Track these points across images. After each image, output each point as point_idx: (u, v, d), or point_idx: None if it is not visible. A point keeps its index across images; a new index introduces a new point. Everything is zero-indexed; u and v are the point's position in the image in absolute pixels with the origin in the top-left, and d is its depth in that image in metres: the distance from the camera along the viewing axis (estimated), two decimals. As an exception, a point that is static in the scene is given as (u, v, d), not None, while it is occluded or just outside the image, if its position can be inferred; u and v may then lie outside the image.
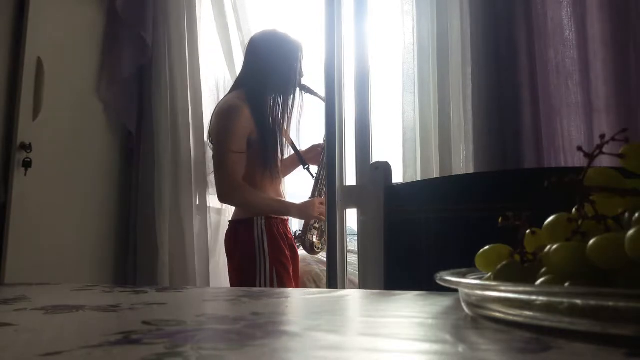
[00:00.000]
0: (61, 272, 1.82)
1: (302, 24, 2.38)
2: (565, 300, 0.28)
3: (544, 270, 0.35)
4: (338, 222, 1.52)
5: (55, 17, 1.90)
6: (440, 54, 1.60)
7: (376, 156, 1.52)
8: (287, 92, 1.89)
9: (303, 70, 1.94)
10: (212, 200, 2.10)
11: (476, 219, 0.80)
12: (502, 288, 0.33)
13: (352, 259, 1.63)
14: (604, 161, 0.38)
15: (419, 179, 1.58)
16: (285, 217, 1.92)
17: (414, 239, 0.87)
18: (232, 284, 1.86)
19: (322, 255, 2.01)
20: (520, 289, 0.32)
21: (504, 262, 0.37)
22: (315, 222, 1.94)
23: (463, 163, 1.52)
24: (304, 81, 1.94)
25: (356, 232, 1.51)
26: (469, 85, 1.51)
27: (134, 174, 2.16)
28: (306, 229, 1.94)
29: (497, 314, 0.33)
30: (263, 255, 1.77)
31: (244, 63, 1.96)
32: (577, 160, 1.39)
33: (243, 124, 1.80)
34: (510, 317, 0.32)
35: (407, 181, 1.56)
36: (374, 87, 1.56)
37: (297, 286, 1.90)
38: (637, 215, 0.32)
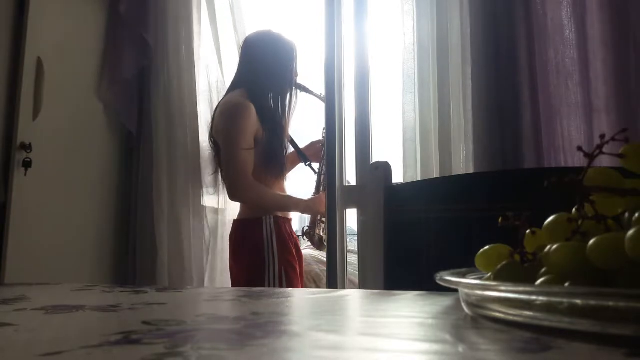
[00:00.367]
0: (61, 272, 1.82)
1: (302, 24, 2.38)
2: (565, 300, 0.28)
3: (544, 270, 0.35)
4: (338, 222, 1.52)
5: (55, 17, 1.90)
6: (440, 53, 1.60)
7: (376, 156, 1.52)
8: (284, 91, 1.90)
9: (298, 69, 1.95)
10: (211, 200, 2.10)
11: (476, 219, 0.80)
12: (502, 288, 0.33)
13: (352, 259, 1.63)
14: (604, 161, 0.38)
15: (419, 179, 1.58)
16: (290, 217, 1.92)
17: (414, 239, 0.87)
18: (235, 284, 1.85)
19: (322, 255, 2.01)
20: (520, 289, 0.32)
21: (504, 262, 0.37)
22: (322, 217, 1.94)
23: (463, 163, 1.52)
24: (299, 80, 1.95)
25: (356, 232, 1.51)
26: (469, 85, 1.51)
27: (134, 174, 2.16)
28: (314, 224, 1.95)
29: (497, 314, 0.33)
30: (272, 255, 1.76)
31: (239, 63, 1.97)
32: (577, 160, 1.39)
33: (251, 121, 1.81)
34: (510, 317, 0.32)
35: (407, 181, 1.56)
36: (374, 87, 1.56)
37: (302, 286, 1.90)
38: (637, 215, 0.32)
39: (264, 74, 1.86)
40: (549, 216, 0.38)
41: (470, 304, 0.37)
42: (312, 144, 2.08)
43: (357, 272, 1.49)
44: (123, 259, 2.12)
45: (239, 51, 2.07)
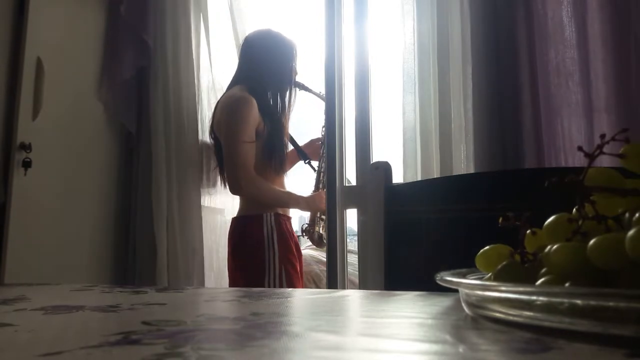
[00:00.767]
0: (61, 272, 1.82)
1: (302, 24, 2.38)
2: (565, 300, 0.28)
3: (544, 270, 0.35)
4: (338, 222, 1.52)
5: (55, 17, 1.90)
6: (440, 53, 1.60)
7: (376, 156, 1.52)
8: (283, 89, 1.91)
9: (297, 68, 1.95)
10: (210, 200, 2.10)
11: (476, 219, 0.80)
12: (502, 288, 0.33)
13: (352, 259, 1.63)
14: (604, 161, 0.38)
15: (419, 179, 1.58)
16: (290, 215, 1.92)
17: (414, 239, 0.87)
18: (234, 283, 1.84)
19: (322, 255, 2.01)
20: (520, 289, 0.32)
21: (504, 262, 0.37)
22: (322, 215, 1.94)
23: (463, 163, 1.52)
24: (299, 78, 1.96)
25: (356, 232, 1.51)
26: (469, 85, 1.51)
27: (134, 174, 2.16)
28: (313, 222, 1.94)
29: (497, 314, 0.33)
30: (273, 252, 1.76)
31: (239, 62, 1.98)
32: (577, 160, 1.39)
33: (253, 114, 1.81)
34: (510, 317, 0.31)
35: (408, 181, 1.56)
36: (374, 87, 1.56)
37: (302, 285, 1.90)
38: (637, 215, 0.32)
39: (263, 71, 1.87)
40: (549, 216, 0.38)
41: (470, 304, 0.37)
42: (312, 142, 2.09)
43: (357, 272, 1.49)
44: (123, 259, 2.12)
45: (238, 51, 2.08)
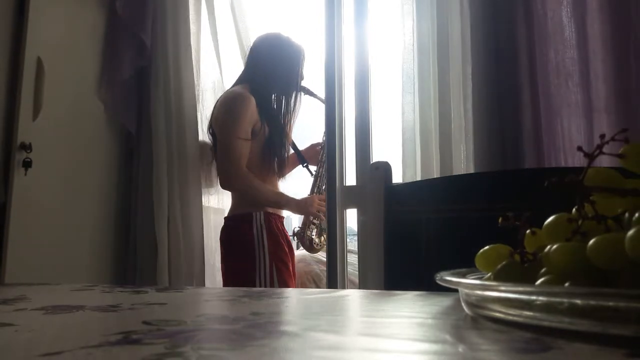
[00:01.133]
0: (61, 272, 1.82)
1: (302, 25, 2.38)
2: (565, 300, 0.28)
3: (544, 270, 0.35)
4: (338, 222, 1.52)
5: (55, 17, 1.90)
6: (440, 53, 1.60)
7: (376, 156, 1.52)
8: (288, 93, 1.91)
9: (304, 73, 1.96)
10: (210, 200, 2.10)
11: (476, 219, 0.80)
12: (502, 288, 0.33)
13: (352, 259, 1.63)
14: (604, 161, 0.38)
15: (419, 178, 1.58)
16: (282, 214, 1.92)
17: (414, 239, 0.87)
18: (227, 283, 1.85)
19: (322, 255, 2.01)
20: (520, 289, 0.32)
21: (504, 262, 0.37)
22: (314, 219, 1.94)
23: (463, 163, 1.52)
24: (304, 83, 1.96)
25: (356, 232, 1.51)
26: (469, 85, 1.51)
27: (134, 174, 2.16)
28: (305, 225, 1.93)
29: (497, 314, 0.33)
30: (263, 252, 1.76)
31: (246, 64, 1.99)
32: (577, 160, 1.39)
33: (250, 111, 1.82)
34: (510, 317, 0.32)
35: (407, 181, 1.56)
36: (374, 87, 1.56)
37: (294, 285, 1.90)
38: (637, 215, 0.32)
39: (269, 75, 1.88)
40: (549, 216, 0.38)
41: (470, 304, 0.37)
42: (312, 146, 2.09)
43: (357, 272, 1.49)
44: (123, 259, 2.12)
45: (241, 51, 2.08)
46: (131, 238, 2.13)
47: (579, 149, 0.37)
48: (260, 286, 1.73)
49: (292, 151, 2.04)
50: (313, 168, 2.05)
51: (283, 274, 1.77)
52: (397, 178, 1.35)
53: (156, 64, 2.10)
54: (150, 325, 0.34)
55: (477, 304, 0.35)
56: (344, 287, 1.52)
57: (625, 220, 0.33)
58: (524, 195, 0.77)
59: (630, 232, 0.29)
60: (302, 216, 1.99)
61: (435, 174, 1.57)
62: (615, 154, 0.36)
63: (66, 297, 0.56)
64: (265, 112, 1.86)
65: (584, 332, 0.27)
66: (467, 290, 0.37)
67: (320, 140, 2.04)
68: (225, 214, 2.02)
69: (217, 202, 2.11)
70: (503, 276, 0.36)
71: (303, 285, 1.99)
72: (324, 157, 1.94)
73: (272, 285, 1.73)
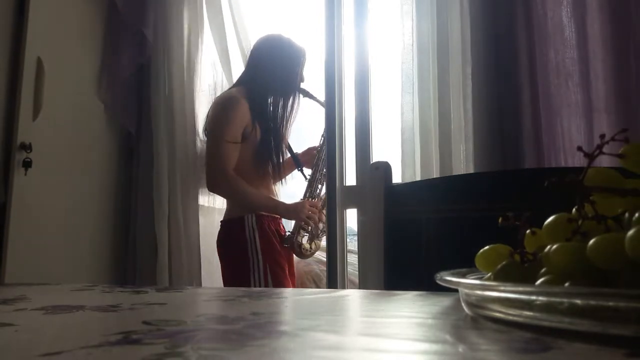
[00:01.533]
0: (61, 271, 1.82)
1: (302, 25, 2.38)
2: (565, 300, 0.28)
3: (544, 270, 0.35)
4: (338, 222, 1.52)
5: (55, 17, 1.90)
6: (440, 54, 1.60)
7: (376, 156, 1.52)
8: (286, 95, 1.91)
9: (304, 75, 1.95)
10: (210, 200, 2.10)
11: (476, 219, 0.80)
12: (502, 288, 0.33)
13: (352, 259, 1.63)
14: (604, 161, 0.38)
15: (418, 179, 1.58)
16: (277, 216, 1.92)
17: (414, 239, 0.87)
18: (226, 285, 1.85)
19: (322, 255, 2.00)
20: (520, 289, 0.32)
21: (504, 262, 0.37)
22: (305, 225, 1.91)
23: (463, 163, 1.52)
24: (304, 85, 1.95)
25: (356, 232, 1.51)
26: (469, 85, 1.51)
27: (134, 174, 2.16)
28: (295, 230, 1.91)
29: (497, 314, 0.33)
30: (256, 253, 1.76)
31: (246, 64, 1.98)
32: (577, 160, 1.39)
33: (240, 114, 1.81)
34: (510, 317, 0.32)
35: (407, 181, 1.56)
36: (374, 87, 1.56)
37: (293, 284, 1.90)
38: (637, 215, 0.32)
39: (267, 76, 1.88)
40: (549, 216, 0.38)
41: (470, 304, 0.37)
42: (309, 150, 2.07)
43: (357, 272, 1.49)
44: (123, 259, 2.12)
45: (241, 52, 2.08)
46: (131, 238, 2.13)
47: (579, 149, 0.37)
48: (255, 285, 1.73)
49: (288, 154, 2.03)
50: (308, 172, 2.03)
51: (278, 276, 1.77)
52: (396, 178, 1.35)
53: (156, 64, 2.10)
54: (150, 325, 0.34)
55: (477, 304, 0.35)
56: (344, 287, 1.52)
57: (625, 220, 0.33)
58: (524, 195, 0.77)
59: (630, 232, 0.29)
60: (294, 221, 1.97)
61: (435, 174, 1.57)
62: (615, 154, 0.36)
63: (66, 297, 0.56)
64: (259, 115, 1.85)
65: (584, 332, 0.27)
66: (467, 290, 0.37)
67: (317, 144, 2.01)
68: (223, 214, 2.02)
69: (223, 202, 2.10)
70: (503, 276, 0.36)
71: (303, 285, 1.99)
72: (319, 160, 1.94)
73: (266, 287, 1.73)
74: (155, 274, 1.98)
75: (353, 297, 0.55)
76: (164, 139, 2.06)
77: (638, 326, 0.26)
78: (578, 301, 0.28)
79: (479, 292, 0.35)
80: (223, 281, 1.87)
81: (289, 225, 1.98)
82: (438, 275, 0.39)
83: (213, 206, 2.11)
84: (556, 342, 0.27)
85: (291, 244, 1.88)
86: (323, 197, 1.92)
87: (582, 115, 1.41)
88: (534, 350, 0.26)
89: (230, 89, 1.96)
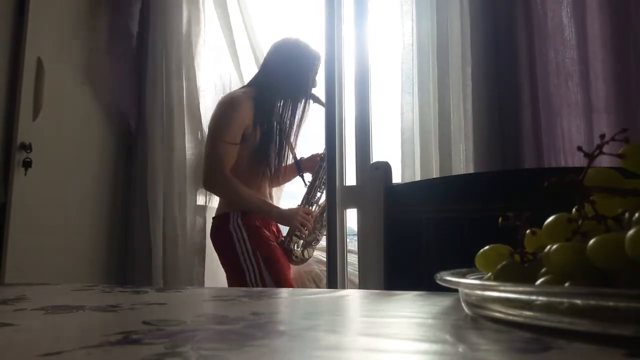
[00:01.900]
0: (61, 272, 1.82)
1: (302, 25, 2.38)
2: (565, 300, 0.28)
3: (544, 270, 0.35)
4: (338, 222, 1.52)
5: (55, 17, 1.90)
6: (440, 54, 1.60)
7: (376, 156, 1.52)
8: (296, 99, 1.91)
9: (316, 80, 1.95)
10: (209, 200, 2.10)
11: (476, 219, 0.80)
12: (502, 288, 0.33)
13: (352, 259, 1.63)
14: (604, 161, 0.38)
15: (417, 179, 1.58)
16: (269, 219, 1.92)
17: (414, 239, 0.87)
18: (227, 280, 1.87)
19: (322, 255, 2.00)
20: (520, 289, 0.32)
21: (504, 262, 0.37)
22: (296, 232, 1.91)
23: (463, 163, 1.52)
24: (315, 91, 1.95)
25: (356, 232, 1.51)
26: (469, 85, 1.51)
27: (133, 174, 2.17)
28: (289, 236, 1.91)
29: (497, 314, 0.33)
30: (245, 246, 1.77)
31: (261, 66, 2.00)
32: (577, 160, 1.39)
33: (241, 115, 1.82)
34: (510, 317, 0.32)
35: (406, 181, 1.56)
36: (374, 87, 1.56)
37: (292, 277, 1.89)
38: (637, 215, 0.32)
39: (280, 80, 1.88)
40: (549, 216, 0.38)
41: (470, 304, 0.37)
42: (313, 156, 2.05)
43: (357, 272, 1.49)
44: (123, 259, 2.12)
45: (251, 48, 2.09)
46: (129, 238, 2.13)
47: (579, 149, 0.37)
48: (251, 279, 1.74)
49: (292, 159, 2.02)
50: (309, 178, 2.02)
51: (274, 267, 1.77)
52: (396, 178, 1.35)
53: (155, 62, 2.09)
54: (150, 325, 0.34)
55: (477, 304, 0.35)
56: (344, 287, 1.52)
57: (625, 220, 0.33)
58: (524, 195, 0.77)
59: (630, 232, 0.29)
60: (289, 227, 1.96)
61: (435, 174, 1.57)
62: (615, 154, 0.36)
63: (66, 297, 0.56)
64: (264, 117, 1.85)
65: (584, 332, 0.27)
66: (467, 290, 0.37)
67: (322, 151, 1.97)
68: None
69: (216, 201, 2.11)
70: (503, 276, 0.36)
71: (303, 285, 1.99)
72: (320, 168, 1.93)
73: (262, 277, 1.74)
74: (151, 274, 1.98)
75: (353, 297, 0.55)
76: (160, 138, 2.06)
77: (638, 326, 0.26)
78: (578, 301, 0.28)
79: (479, 292, 0.35)
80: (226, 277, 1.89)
81: (285, 230, 1.98)
82: (438, 275, 0.39)
83: (213, 206, 2.11)
84: (556, 342, 0.27)
85: (284, 250, 1.87)
86: (322, 205, 1.91)
87: (582, 115, 1.41)
88: (534, 350, 0.26)
89: (240, 88, 1.97)
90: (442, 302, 0.45)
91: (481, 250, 0.41)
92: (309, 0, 2.46)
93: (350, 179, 1.55)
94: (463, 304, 0.38)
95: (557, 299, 0.29)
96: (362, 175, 1.50)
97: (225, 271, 1.88)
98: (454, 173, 1.53)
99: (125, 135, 2.19)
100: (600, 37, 1.39)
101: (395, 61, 1.68)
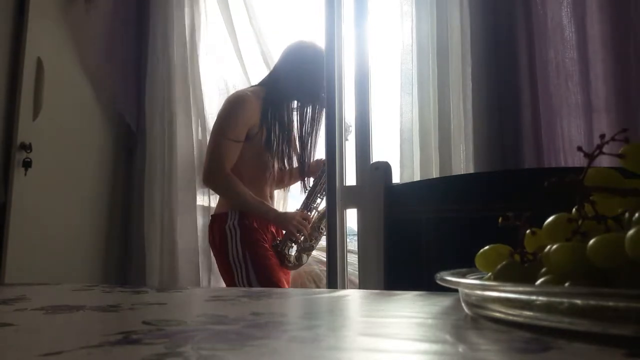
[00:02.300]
0: (61, 272, 1.82)
1: (302, 25, 2.38)
2: (565, 300, 0.28)
3: (544, 270, 0.35)
4: (338, 222, 1.52)
5: (55, 17, 1.90)
6: (439, 54, 1.60)
7: (376, 156, 1.52)
8: (306, 103, 1.91)
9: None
10: (206, 200, 2.10)
11: (476, 219, 0.80)
12: (502, 288, 0.33)
13: (352, 259, 1.63)
14: (604, 161, 0.38)
15: (417, 179, 1.58)
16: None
17: (414, 239, 0.87)
18: (222, 278, 1.88)
19: (322, 255, 2.00)
20: (520, 289, 0.32)
21: (504, 262, 0.37)
22: (292, 237, 1.90)
23: (463, 163, 1.52)
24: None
25: (356, 232, 1.51)
26: (469, 85, 1.51)
27: (133, 174, 2.17)
28: (285, 240, 1.90)
29: (497, 314, 0.33)
30: (236, 248, 1.77)
31: (274, 67, 1.99)
32: (577, 160, 1.39)
33: (246, 113, 1.82)
34: (510, 317, 0.32)
35: (405, 181, 1.56)
36: (374, 87, 1.56)
37: (287, 280, 1.89)
38: (637, 215, 0.32)
39: (291, 82, 1.88)
40: (549, 216, 0.38)
41: (470, 304, 0.37)
42: (317, 162, 2.03)
43: (357, 272, 1.49)
44: (123, 259, 2.13)
45: (257, 46, 2.08)
46: (128, 238, 2.13)
47: (579, 149, 0.37)
48: (239, 280, 1.75)
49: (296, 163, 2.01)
50: (310, 183, 2.01)
51: (261, 268, 1.76)
52: (395, 178, 1.35)
53: (154, 61, 2.09)
54: (150, 325, 0.34)
55: (477, 304, 0.35)
56: (344, 287, 1.52)
57: (625, 220, 0.33)
58: (524, 195, 0.77)
59: (630, 232, 0.29)
60: (284, 231, 1.96)
61: (435, 174, 1.57)
62: (615, 154, 0.36)
63: (66, 297, 0.56)
64: (270, 118, 1.85)
65: (584, 332, 0.27)
66: (467, 290, 0.37)
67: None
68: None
69: (215, 202, 2.10)
70: (503, 276, 0.36)
71: (303, 285, 1.99)
72: (322, 173, 1.92)
73: (248, 280, 1.74)
74: (146, 274, 1.98)
75: (353, 297, 0.55)
76: (160, 139, 2.06)
77: (638, 326, 0.26)
78: (578, 301, 0.28)
79: (479, 292, 0.35)
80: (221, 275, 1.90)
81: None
82: (438, 275, 0.39)
83: (214, 207, 2.11)
84: (556, 342, 0.27)
85: (278, 253, 1.86)
86: (322, 211, 1.90)
87: (582, 115, 1.41)
88: (534, 350, 0.26)
89: (249, 87, 1.97)
90: (442, 302, 0.45)
91: (481, 250, 0.41)
92: (309, 0, 2.46)
93: (350, 179, 1.55)
94: (463, 304, 0.38)
95: (557, 299, 0.29)
96: (362, 176, 1.50)
97: (219, 270, 1.89)
98: (454, 173, 1.53)
99: (125, 135, 2.19)
100: (600, 37, 1.39)
101: (395, 61, 1.68)
